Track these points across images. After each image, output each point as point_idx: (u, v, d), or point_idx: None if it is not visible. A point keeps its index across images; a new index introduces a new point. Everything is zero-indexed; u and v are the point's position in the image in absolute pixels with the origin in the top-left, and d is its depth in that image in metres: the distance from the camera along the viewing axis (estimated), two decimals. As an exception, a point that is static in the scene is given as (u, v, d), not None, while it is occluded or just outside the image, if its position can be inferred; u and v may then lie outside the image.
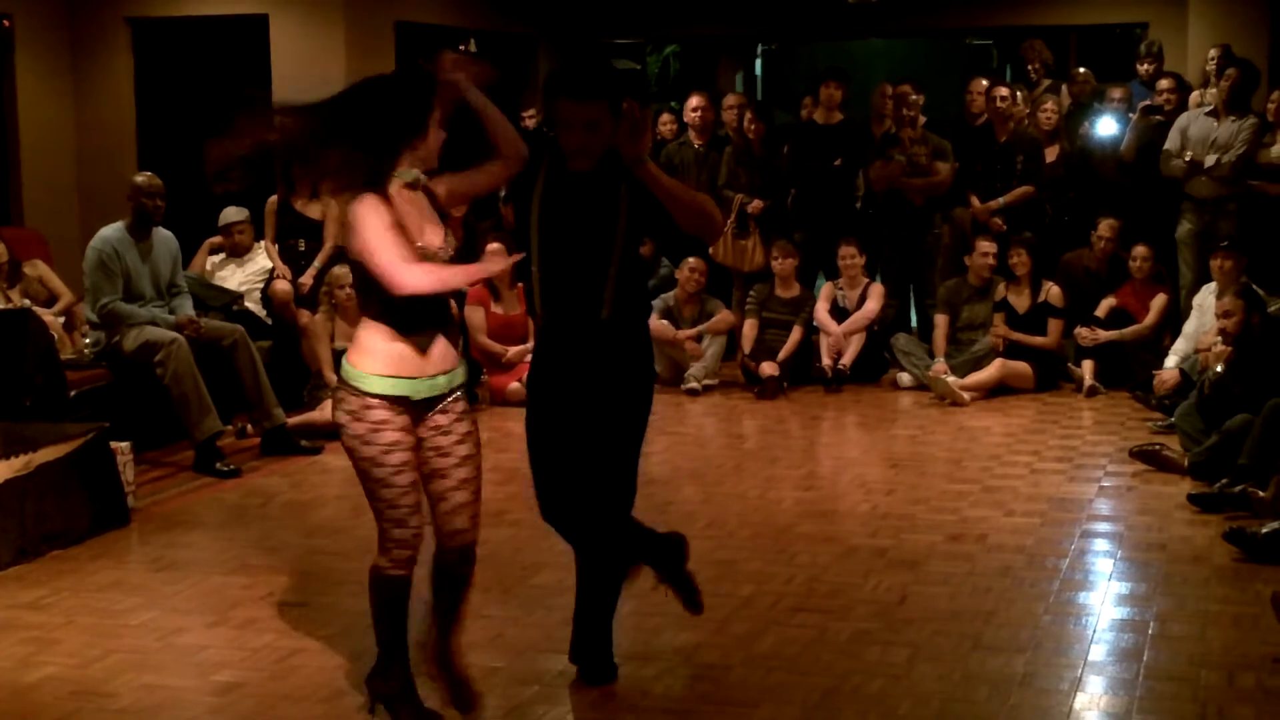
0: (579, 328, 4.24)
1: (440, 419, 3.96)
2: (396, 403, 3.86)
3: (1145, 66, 10.65)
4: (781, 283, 9.79)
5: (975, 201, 10.01)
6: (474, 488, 4.03)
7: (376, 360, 3.85)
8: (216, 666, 4.71)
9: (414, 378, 3.88)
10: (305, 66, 10.65)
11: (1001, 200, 9.96)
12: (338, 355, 8.39)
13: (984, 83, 10.40)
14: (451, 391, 3.98)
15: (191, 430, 7.47)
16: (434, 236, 3.90)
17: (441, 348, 3.93)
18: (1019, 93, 10.65)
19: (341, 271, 8.58)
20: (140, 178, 7.88)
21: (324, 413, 8.23)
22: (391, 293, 3.74)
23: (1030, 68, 11.36)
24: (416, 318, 3.86)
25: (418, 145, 3.87)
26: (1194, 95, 10.09)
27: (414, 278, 3.75)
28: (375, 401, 3.84)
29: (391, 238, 3.76)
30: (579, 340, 4.23)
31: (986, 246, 9.48)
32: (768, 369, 9.38)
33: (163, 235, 7.89)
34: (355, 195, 3.80)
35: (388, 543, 3.96)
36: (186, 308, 7.91)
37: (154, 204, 7.73)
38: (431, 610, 4.15)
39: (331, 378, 8.34)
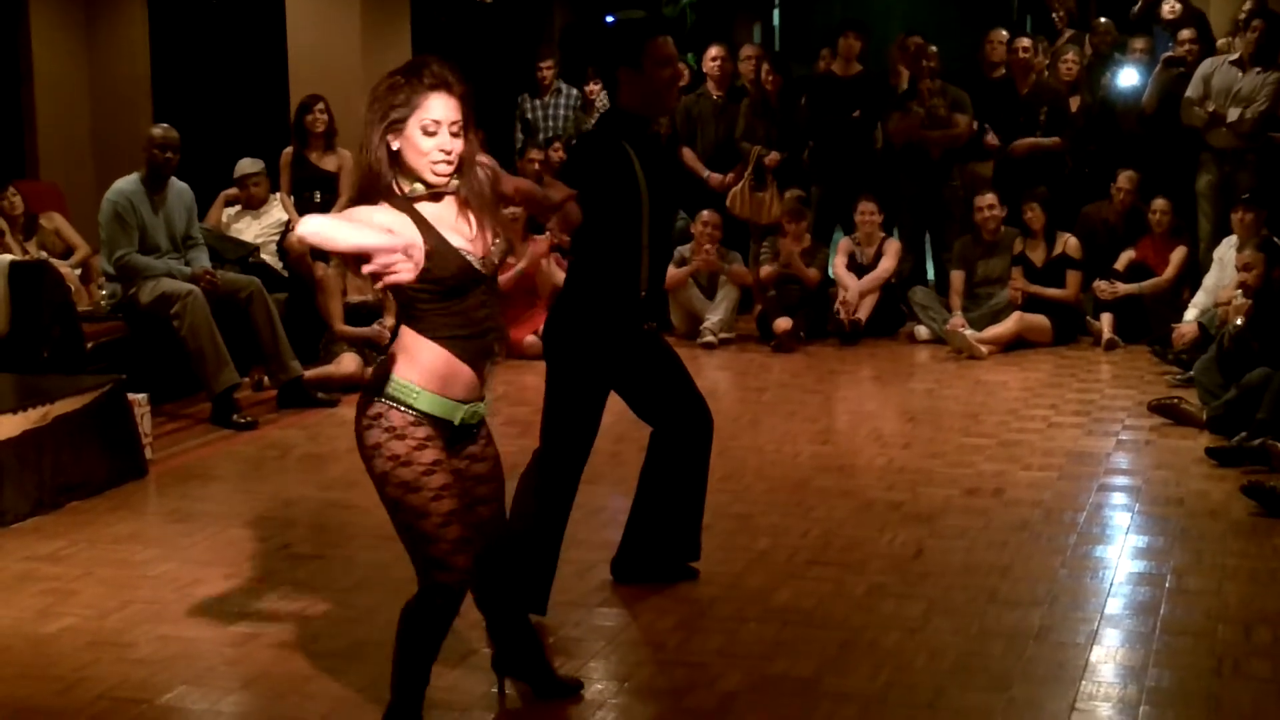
0: (659, 291, 4.70)
1: (474, 447, 3.62)
2: (438, 426, 3.49)
3: (1168, 5, 10.48)
4: (793, 236, 9.75)
5: (993, 139, 9.91)
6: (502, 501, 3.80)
7: (430, 376, 3.44)
8: (234, 618, 4.73)
9: (462, 401, 3.51)
10: (319, 15, 10.61)
11: (1030, 140, 9.90)
12: (351, 309, 8.44)
13: (1004, 33, 10.31)
14: (482, 416, 3.64)
15: (208, 383, 7.48)
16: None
17: (486, 371, 3.56)
18: (1039, 44, 10.54)
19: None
20: (156, 130, 7.86)
21: (340, 366, 8.25)
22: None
23: (1055, 15, 11.24)
24: (477, 337, 3.49)
25: None
26: (1222, 42, 9.98)
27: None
28: (424, 419, 3.45)
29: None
30: (660, 303, 4.74)
31: (981, 201, 9.43)
32: (781, 324, 9.36)
33: (178, 187, 7.88)
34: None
35: (430, 587, 3.50)
36: (202, 260, 7.91)
37: (165, 156, 7.71)
38: (492, 621, 3.91)
39: (344, 329, 8.35)
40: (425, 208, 3.45)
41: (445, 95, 3.39)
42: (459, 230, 3.47)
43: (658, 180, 4.51)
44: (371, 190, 3.40)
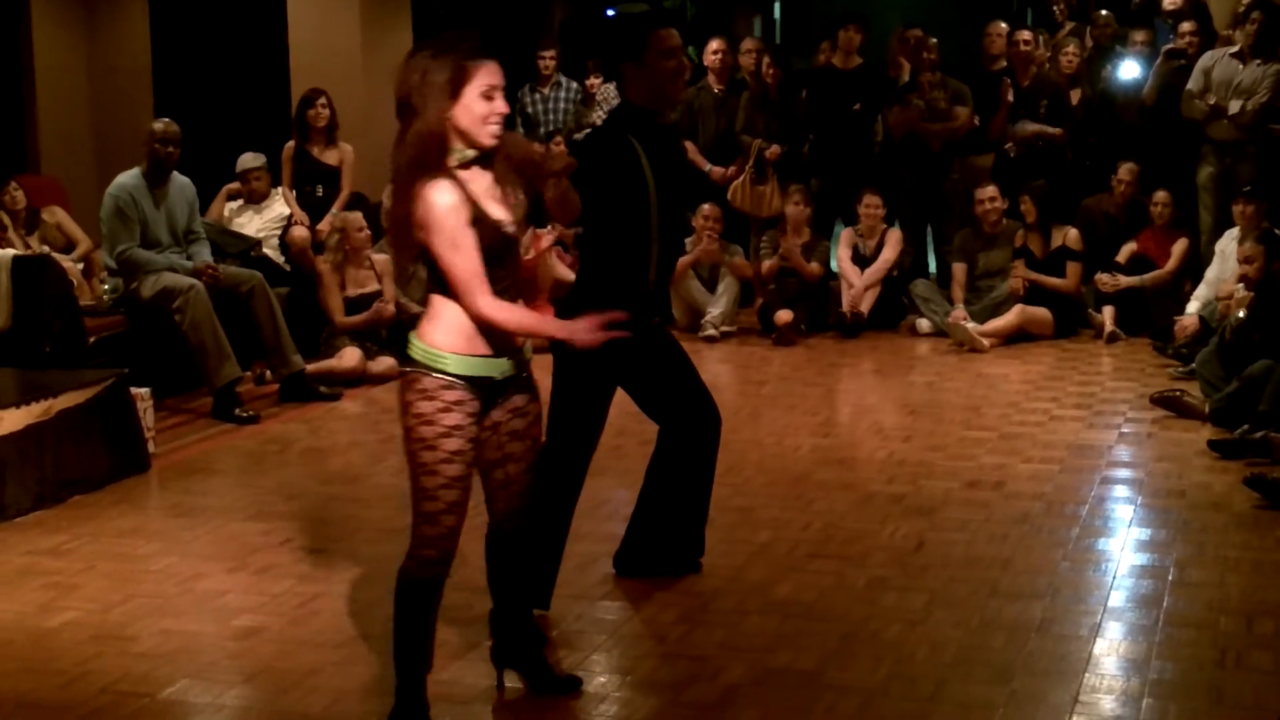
0: (666, 285, 4.71)
1: (518, 399, 3.71)
2: (476, 385, 3.57)
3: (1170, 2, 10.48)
4: (794, 229, 9.74)
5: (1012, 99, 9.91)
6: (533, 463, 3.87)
7: (458, 337, 3.54)
8: (236, 612, 4.73)
9: (497, 356, 3.59)
10: (320, 8, 10.61)
11: (1033, 127, 9.89)
12: (351, 302, 8.43)
13: (1003, 26, 10.30)
14: (526, 365, 3.73)
15: (210, 377, 7.48)
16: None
17: None
18: (1040, 36, 10.53)
19: (354, 216, 8.57)
20: (157, 124, 7.86)
21: (342, 360, 8.24)
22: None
23: (1055, 8, 11.23)
24: (505, 292, 3.56)
25: None
26: (1224, 33, 9.97)
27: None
28: (456, 382, 3.54)
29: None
30: (666, 297, 4.70)
31: (983, 194, 9.41)
32: (782, 316, 9.36)
33: (179, 182, 7.88)
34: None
35: (416, 540, 3.63)
36: (204, 254, 7.91)
37: (167, 150, 7.71)
38: (498, 608, 3.98)
39: (346, 322, 8.35)
40: (465, 176, 3.55)
41: (492, 62, 3.56)
42: (493, 195, 3.60)
43: (666, 174, 4.51)
44: (430, 157, 3.50)
